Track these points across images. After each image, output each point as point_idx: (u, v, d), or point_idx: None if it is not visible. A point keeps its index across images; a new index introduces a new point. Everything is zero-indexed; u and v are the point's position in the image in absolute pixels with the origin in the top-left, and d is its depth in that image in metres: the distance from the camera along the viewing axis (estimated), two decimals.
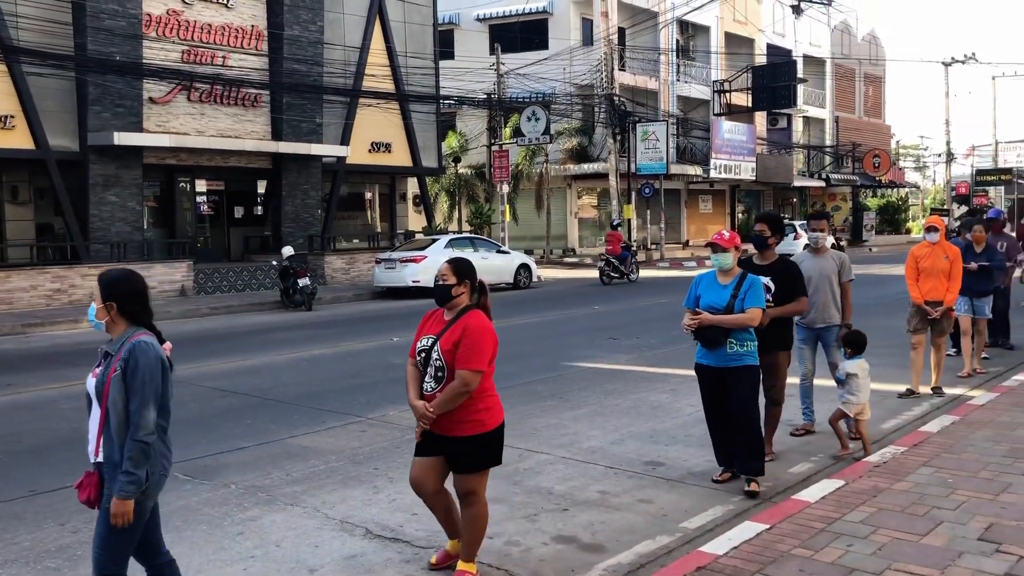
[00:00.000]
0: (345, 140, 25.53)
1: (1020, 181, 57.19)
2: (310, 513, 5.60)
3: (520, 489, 6.00)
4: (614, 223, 27.13)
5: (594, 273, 27.26)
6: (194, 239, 23.48)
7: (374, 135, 26.64)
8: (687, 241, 41.03)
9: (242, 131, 23.18)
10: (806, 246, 7.65)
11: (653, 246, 35.99)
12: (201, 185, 24.10)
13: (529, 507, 5.62)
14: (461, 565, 4.43)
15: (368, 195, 29.52)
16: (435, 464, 4.45)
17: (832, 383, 7.10)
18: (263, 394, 9.59)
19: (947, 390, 8.80)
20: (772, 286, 6.28)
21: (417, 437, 4.42)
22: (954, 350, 10.42)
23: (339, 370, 11.19)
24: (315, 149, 24.21)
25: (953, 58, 50.23)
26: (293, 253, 19.78)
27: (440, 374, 4.30)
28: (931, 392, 8.64)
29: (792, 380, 7.23)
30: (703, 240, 41.74)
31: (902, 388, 8.74)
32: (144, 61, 20.77)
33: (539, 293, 22.34)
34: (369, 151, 26.66)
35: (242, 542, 5.15)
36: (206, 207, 24.60)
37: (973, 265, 9.55)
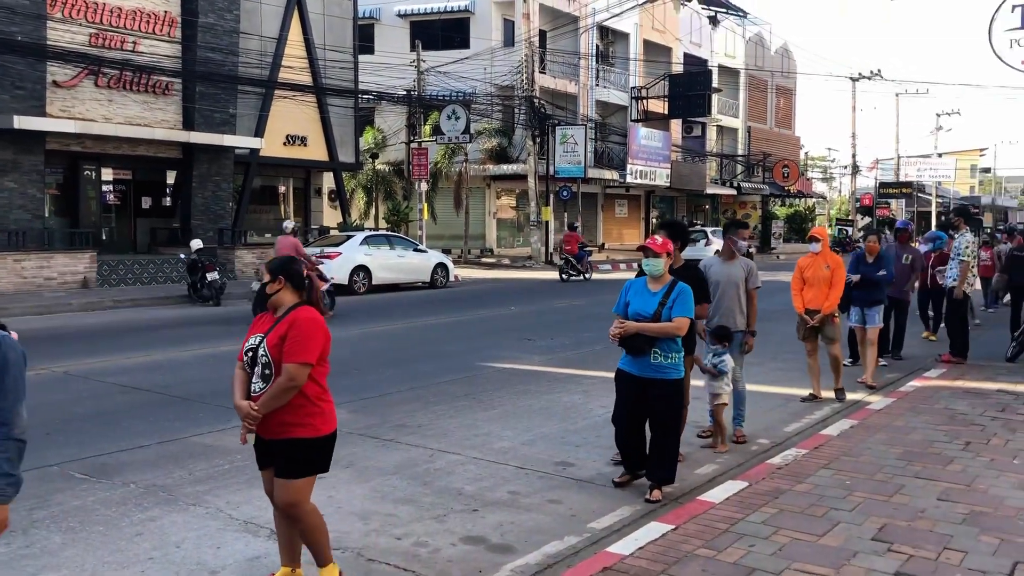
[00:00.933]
0: (259, 132, 25.02)
1: (920, 195, 59.74)
2: (213, 513, 5.45)
3: (430, 490, 5.96)
4: (573, 224, 27.58)
5: (513, 273, 27.39)
6: (98, 229, 22.66)
7: (290, 128, 26.20)
8: (603, 244, 41.54)
9: (152, 119, 22.48)
10: (717, 252, 7.71)
11: None
12: (107, 174, 23.28)
13: (438, 508, 5.58)
14: (321, 573, 4.22)
15: (282, 189, 29.01)
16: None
17: (695, 401, 7.32)
18: (167, 391, 9.30)
19: (848, 395, 9.09)
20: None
21: (241, 440, 4.12)
22: (849, 360, 10.65)
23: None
24: (228, 140, 23.65)
25: (860, 74, 52.01)
26: (202, 246, 19.27)
27: (267, 372, 4.04)
28: (834, 395, 8.86)
29: (698, 383, 7.38)
30: (619, 244, 42.43)
31: (805, 392, 9.00)
32: (48, 43, 19.95)
33: (456, 293, 22.29)
34: (284, 144, 26.21)
35: (140, 543, 4.98)
36: (112, 196, 23.79)
37: (854, 278, 9.63)
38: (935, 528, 5.02)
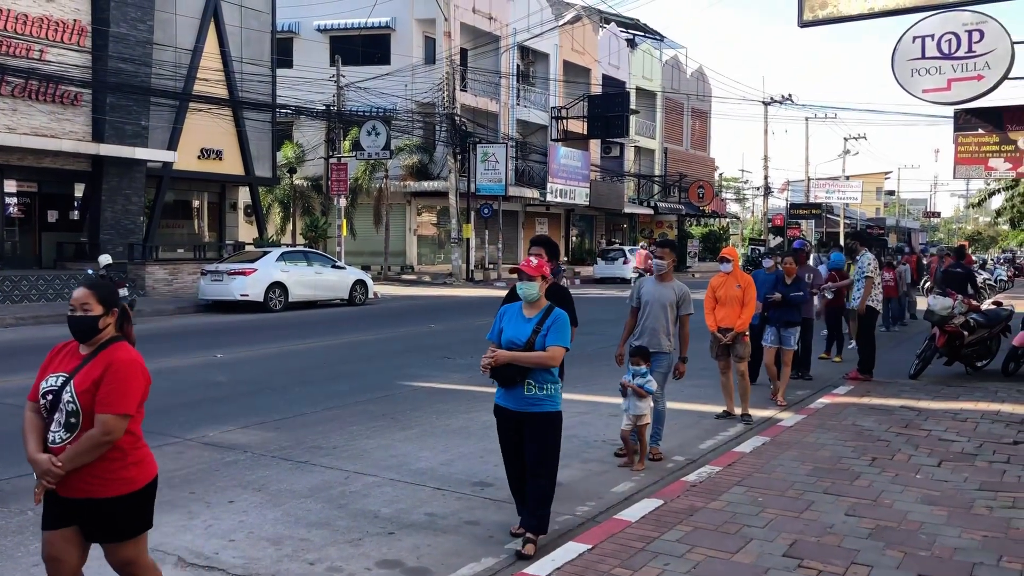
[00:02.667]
0: (173, 145, 24.42)
1: (828, 216, 61.82)
2: None
3: (345, 513, 5.85)
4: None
5: (434, 290, 27.23)
6: (0, 243, 21.74)
7: (205, 141, 25.65)
8: None
9: (59, 130, 21.73)
10: (644, 272, 7.93)
11: (491, 265, 36.37)
12: (10, 186, 22.39)
13: (354, 531, 5.48)
14: None
15: (196, 203, 28.35)
16: (73, 536, 3.57)
17: (611, 418, 7.52)
18: None
19: (760, 412, 9.29)
20: None
21: (36, 499, 3.54)
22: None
23: (156, 388, 10.45)
24: (139, 153, 23.01)
25: (772, 98, 53.67)
26: (111, 262, 18.64)
27: (73, 420, 3.48)
28: (739, 419, 8.88)
29: (609, 400, 7.44)
30: None
31: (719, 409, 9.17)
32: None
33: (375, 310, 22.07)
34: (199, 157, 25.64)
35: (38, 575, 4.74)
36: (15, 209, 22.86)
37: (776, 296, 9.86)
38: (843, 543, 5.14)
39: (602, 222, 50.05)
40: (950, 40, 11.02)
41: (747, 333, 8.91)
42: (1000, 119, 12.02)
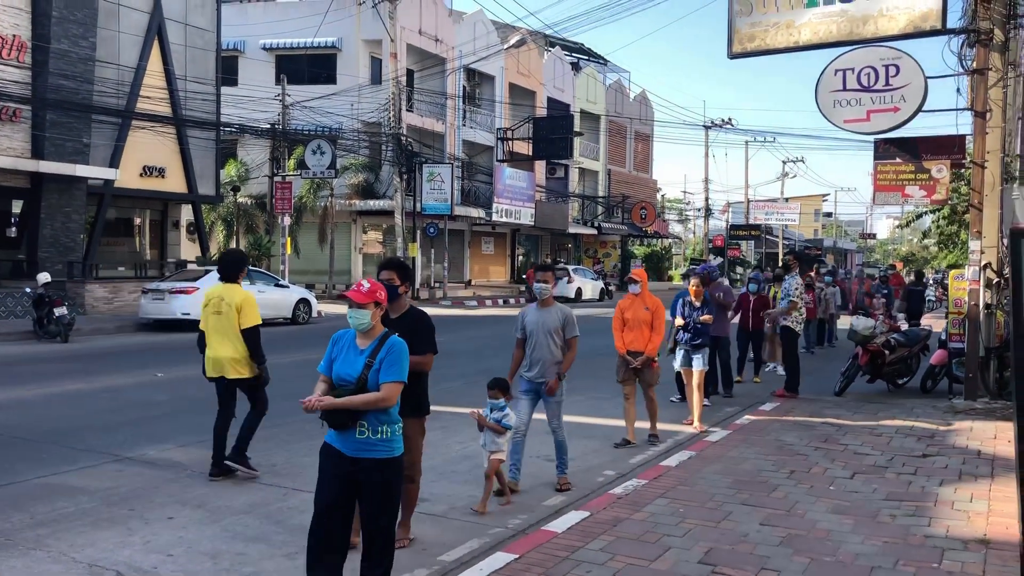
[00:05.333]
0: (115, 162, 24.22)
1: (768, 237, 63.26)
2: (55, 557, 5.35)
3: (282, 528, 6.02)
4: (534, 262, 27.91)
5: None
6: None
7: (147, 159, 25.49)
8: (469, 280, 42.00)
9: None
10: (532, 299, 7.43)
11: (436, 284, 36.55)
12: None
13: (290, 545, 5.65)
14: None
15: (138, 221, 28.09)
16: None
17: (547, 435, 7.38)
18: (8, 431, 8.93)
19: (679, 428, 9.61)
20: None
21: None
22: (677, 397, 11.14)
23: (96, 406, 10.61)
24: (80, 170, 22.77)
25: (712, 122, 54.95)
26: (50, 280, 18.46)
27: None
28: (647, 440, 8.86)
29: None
30: (485, 280, 43.00)
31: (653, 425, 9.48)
32: None
33: (318, 329, 22.09)
34: (141, 175, 25.45)
35: None
36: None
37: (679, 320, 9.98)
38: (755, 551, 5.48)
39: (547, 242, 50.58)
40: (869, 73, 11.61)
41: (656, 361, 8.81)
42: (916, 149, 12.66)
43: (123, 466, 7.63)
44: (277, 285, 23.28)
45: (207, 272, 21.84)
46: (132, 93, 24.65)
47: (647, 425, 9.05)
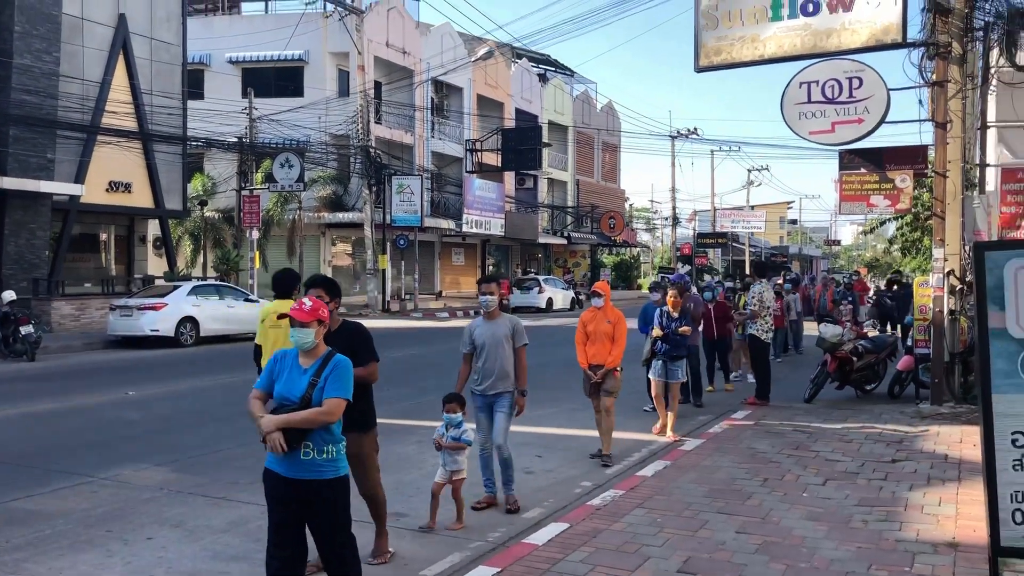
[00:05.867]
0: (80, 178, 23.97)
1: (734, 244, 63.93)
2: None
3: (263, 546, 5.98)
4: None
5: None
6: None
7: (114, 174, 25.25)
8: (440, 292, 42.03)
9: None
10: (480, 312, 7.18)
11: (407, 296, 36.50)
12: None
13: None
14: None
15: (104, 237, 27.79)
16: None
17: (523, 446, 7.33)
18: None
19: (653, 437, 9.70)
20: None
21: None
22: (650, 407, 11.12)
23: (68, 427, 10.50)
24: (45, 186, 22.51)
25: (679, 131, 55.50)
26: (15, 298, 18.24)
27: None
28: (600, 461, 8.54)
29: (520, 428, 7.78)
30: (456, 291, 43.02)
31: (627, 435, 9.57)
32: None
33: None
34: (107, 190, 25.21)
35: None
36: None
37: (657, 331, 9.96)
38: (732, 559, 5.58)
39: (517, 252, 50.75)
40: (833, 86, 11.85)
41: (618, 370, 8.62)
42: (880, 159, 12.93)
43: (99, 487, 7.58)
44: (247, 300, 23.12)
45: (176, 288, 21.72)
46: (97, 108, 24.44)
47: (625, 435, 9.10)
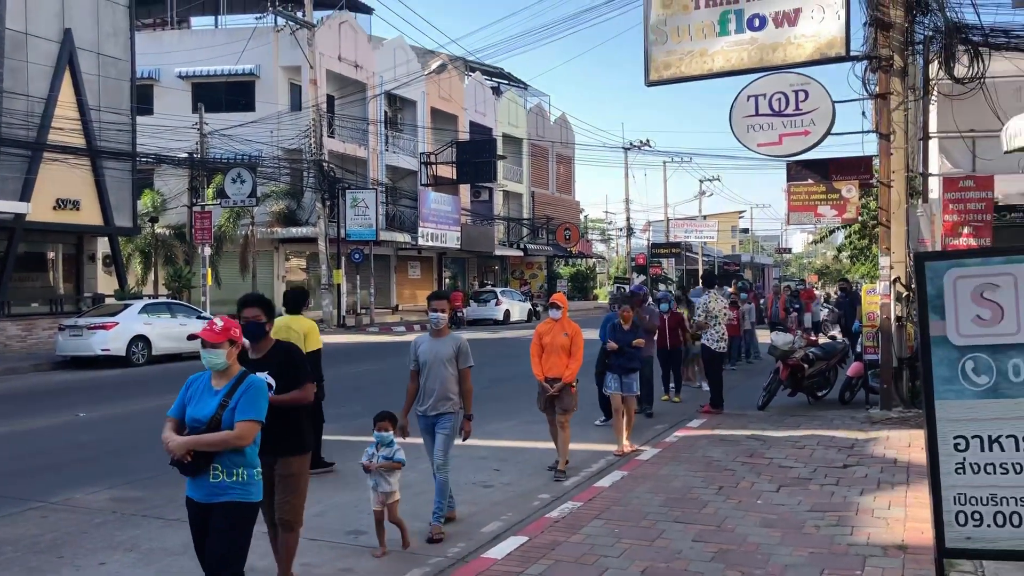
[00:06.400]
0: (26, 196, 23.46)
1: (688, 254, 64.64)
2: None
3: None
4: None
5: None
6: None
7: (60, 191, 24.76)
8: (397, 306, 41.84)
9: None
10: (428, 327, 6.93)
11: (363, 311, 36.29)
12: None
13: None
14: None
15: (52, 255, 27.23)
16: None
17: (481, 460, 7.27)
18: None
19: (609, 447, 9.76)
20: (273, 382, 5.09)
21: None
22: (601, 420, 11.18)
23: (14, 451, 10.28)
24: None
25: (632, 143, 56.04)
26: None
27: None
28: (552, 473, 8.54)
29: (488, 443, 7.80)
30: (412, 304, 42.86)
31: (584, 446, 9.63)
32: None
33: None
34: (54, 208, 24.70)
35: None
36: None
37: (612, 344, 9.86)
38: (688, 567, 5.65)
39: (474, 264, 50.75)
40: (780, 99, 12.10)
41: (574, 385, 8.55)
42: (827, 170, 13.20)
43: (48, 512, 7.43)
44: (199, 317, 22.79)
45: (126, 306, 21.36)
46: (43, 124, 23.98)
47: (583, 446, 9.16)
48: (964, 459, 4.29)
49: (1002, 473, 4.24)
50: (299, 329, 8.47)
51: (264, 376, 4.86)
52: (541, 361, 8.59)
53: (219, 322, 4.39)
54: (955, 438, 4.31)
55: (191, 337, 4.53)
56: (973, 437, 4.28)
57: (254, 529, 4.45)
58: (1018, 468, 4.21)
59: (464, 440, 6.86)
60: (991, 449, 4.25)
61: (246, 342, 4.94)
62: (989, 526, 4.24)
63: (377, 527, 6.22)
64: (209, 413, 4.23)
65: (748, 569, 5.59)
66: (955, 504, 4.30)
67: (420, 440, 6.98)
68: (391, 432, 6.28)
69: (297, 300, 8.68)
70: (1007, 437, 4.23)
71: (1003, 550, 4.27)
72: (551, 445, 8.99)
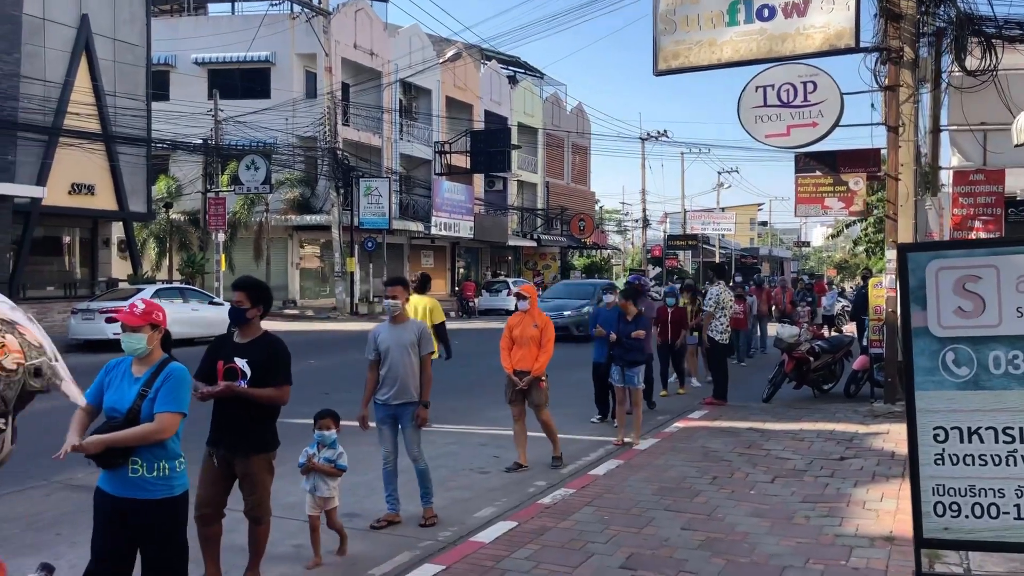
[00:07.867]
0: (42, 180, 23.69)
1: (705, 246, 64.38)
2: None
3: None
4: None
5: (317, 325, 27.11)
6: None
7: (76, 176, 24.98)
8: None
9: None
10: (393, 316, 6.76)
11: (376, 299, 36.42)
12: None
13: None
14: None
15: (67, 239, 27.48)
16: None
17: (479, 447, 7.23)
18: None
19: (607, 437, 9.78)
20: (248, 371, 5.01)
21: None
22: (598, 417, 11.08)
23: (23, 432, 10.39)
24: (5, 188, 22.20)
25: (649, 134, 55.86)
26: None
27: None
28: (551, 464, 8.47)
29: (485, 430, 7.85)
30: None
31: (582, 437, 9.66)
32: None
33: None
34: (70, 193, 24.93)
35: None
36: None
37: (612, 335, 9.79)
38: (675, 554, 5.68)
39: (487, 254, 50.78)
40: (788, 90, 12.03)
41: (544, 379, 8.39)
42: (835, 162, 13.14)
43: (49, 491, 7.55)
44: (211, 303, 23.01)
45: (139, 291, 21.52)
46: (59, 110, 24.18)
47: (583, 436, 9.18)
48: (943, 450, 4.30)
49: (980, 465, 4.24)
50: (422, 306, 10.23)
51: (242, 363, 4.86)
52: (511, 354, 8.44)
53: (140, 304, 4.11)
54: (935, 429, 4.32)
55: (109, 320, 4.38)
56: (952, 428, 4.29)
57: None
58: (996, 460, 4.21)
59: (419, 428, 6.65)
60: (970, 440, 4.25)
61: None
62: (967, 517, 4.25)
63: (312, 534, 5.85)
64: (128, 403, 3.98)
65: (733, 557, 5.61)
66: (934, 495, 4.31)
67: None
68: (333, 431, 6.01)
69: (423, 283, 10.80)
70: (986, 429, 4.23)
71: (980, 541, 4.29)
72: (540, 433, 8.90)
